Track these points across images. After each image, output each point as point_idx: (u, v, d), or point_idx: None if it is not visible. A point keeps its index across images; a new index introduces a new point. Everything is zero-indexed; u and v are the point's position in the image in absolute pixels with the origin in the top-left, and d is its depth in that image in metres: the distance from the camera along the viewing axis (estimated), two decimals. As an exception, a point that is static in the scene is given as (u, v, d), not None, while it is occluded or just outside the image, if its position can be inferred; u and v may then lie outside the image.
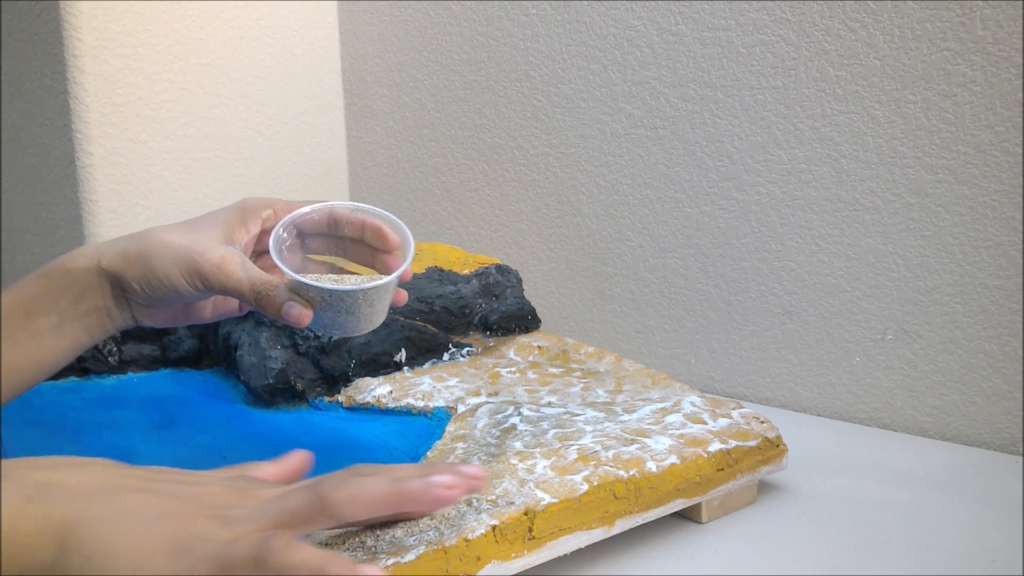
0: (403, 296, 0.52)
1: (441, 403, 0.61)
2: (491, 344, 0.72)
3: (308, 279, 0.48)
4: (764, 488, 0.57)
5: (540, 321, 0.76)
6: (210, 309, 0.55)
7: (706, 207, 0.79)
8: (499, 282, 0.79)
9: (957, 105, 0.64)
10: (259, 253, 0.53)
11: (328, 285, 0.48)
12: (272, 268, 0.52)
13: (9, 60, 0.96)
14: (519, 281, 0.81)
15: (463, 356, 0.70)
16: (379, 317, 0.50)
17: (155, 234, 0.49)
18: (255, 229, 0.51)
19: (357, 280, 0.51)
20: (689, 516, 0.53)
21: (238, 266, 0.48)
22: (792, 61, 0.72)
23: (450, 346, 0.70)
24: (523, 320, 0.75)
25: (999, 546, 0.49)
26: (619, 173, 0.85)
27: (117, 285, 0.49)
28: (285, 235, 0.51)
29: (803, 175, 0.73)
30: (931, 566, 0.47)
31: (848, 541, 0.50)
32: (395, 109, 1.07)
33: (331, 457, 0.50)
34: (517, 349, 0.71)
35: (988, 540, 0.50)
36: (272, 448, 0.52)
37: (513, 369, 0.66)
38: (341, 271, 0.54)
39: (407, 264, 0.50)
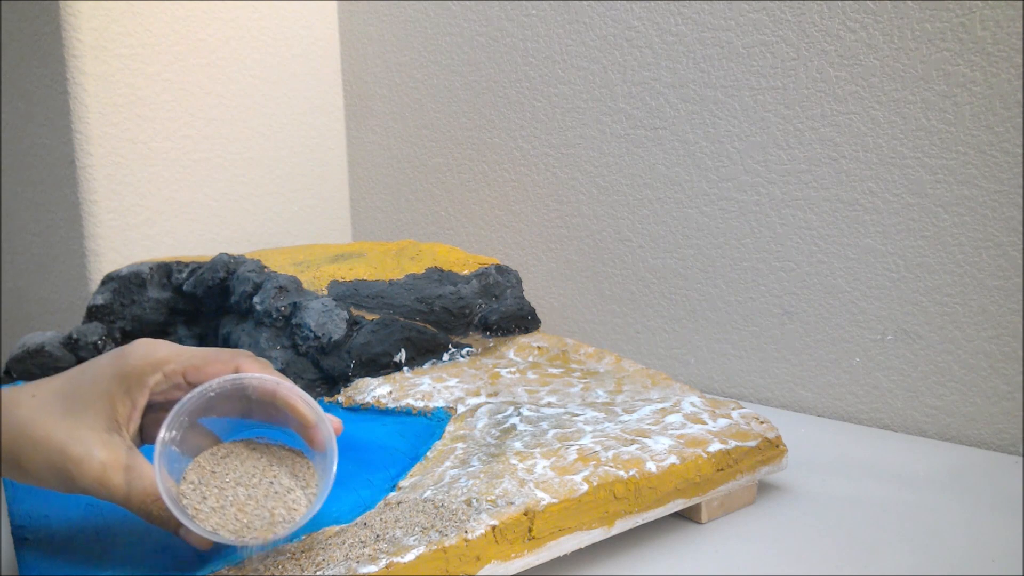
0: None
1: (441, 403, 0.61)
2: (491, 344, 0.72)
3: (201, 528, 0.38)
4: (764, 488, 0.57)
5: (540, 321, 0.76)
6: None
7: (706, 207, 0.79)
8: (499, 282, 0.79)
9: (957, 105, 0.64)
10: (151, 407, 0.44)
11: (227, 539, 0.39)
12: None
13: (9, 60, 0.96)
14: (519, 281, 0.81)
15: (463, 356, 0.70)
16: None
17: (23, 423, 0.41)
18: (142, 401, 0.43)
19: (265, 501, 0.40)
20: (689, 516, 0.53)
21: (121, 480, 0.41)
22: (792, 61, 0.72)
23: (450, 346, 0.70)
24: (523, 320, 0.74)
25: (999, 546, 0.49)
26: (619, 173, 0.85)
27: None
28: (175, 433, 0.40)
29: (803, 175, 0.73)
30: (931, 566, 0.47)
31: (848, 541, 0.50)
32: (395, 109, 1.07)
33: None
34: (517, 349, 0.71)
35: (988, 540, 0.50)
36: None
37: (513, 369, 0.66)
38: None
39: (331, 477, 0.41)
